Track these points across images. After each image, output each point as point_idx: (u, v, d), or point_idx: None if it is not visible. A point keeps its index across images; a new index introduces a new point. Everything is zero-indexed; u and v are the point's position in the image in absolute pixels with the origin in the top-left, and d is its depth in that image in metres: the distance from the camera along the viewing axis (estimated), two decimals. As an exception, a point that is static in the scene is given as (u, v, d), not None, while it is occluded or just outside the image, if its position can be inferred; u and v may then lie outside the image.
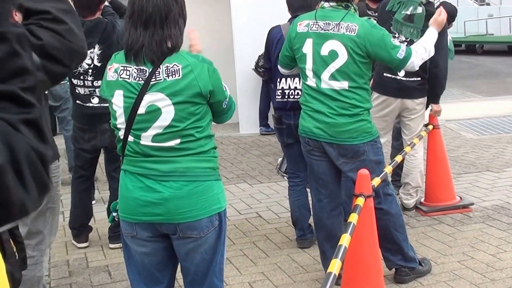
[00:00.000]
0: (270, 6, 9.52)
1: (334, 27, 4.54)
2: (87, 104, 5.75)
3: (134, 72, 3.20)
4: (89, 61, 5.67)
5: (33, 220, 4.34)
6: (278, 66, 5.07)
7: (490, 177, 7.81)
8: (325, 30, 4.58)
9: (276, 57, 5.59)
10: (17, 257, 2.29)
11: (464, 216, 6.49)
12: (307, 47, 4.67)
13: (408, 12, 6.10)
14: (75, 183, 6.10)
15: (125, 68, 3.23)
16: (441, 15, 5.15)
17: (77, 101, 5.82)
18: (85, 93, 5.73)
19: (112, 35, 5.65)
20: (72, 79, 5.77)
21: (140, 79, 3.19)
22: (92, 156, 5.98)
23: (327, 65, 4.57)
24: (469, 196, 7.02)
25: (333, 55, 4.54)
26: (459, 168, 8.22)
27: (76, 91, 5.79)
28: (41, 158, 1.16)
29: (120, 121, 3.28)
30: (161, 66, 3.16)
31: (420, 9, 6.07)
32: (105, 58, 5.61)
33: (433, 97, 6.42)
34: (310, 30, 4.65)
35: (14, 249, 2.25)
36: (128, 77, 3.21)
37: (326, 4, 4.65)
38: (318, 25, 4.61)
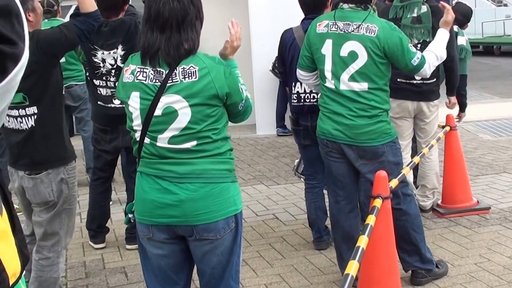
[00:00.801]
0: (288, 7, 9.49)
1: (354, 28, 4.53)
2: (109, 105, 5.73)
3: (151, 73, 3.20)
4: (112, 62, 5.65)
5: (49, 221, 4.36)
6: (298, 70, 5.01)
7: (507, 179, 7.77)
8: (345, 31, 4.57)
9: (290, 60, 5.59)
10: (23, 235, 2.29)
11: (481, 218, 6.45)
12: (326, 48, 4.66)
13: (415, 14, 6.08)
14: (93, 184, 6.11)
15: (141, 69, 3.23)
16: (449, 14, 5.13)
17: (99, 102, 5.80)
18: (107, 94, 5.71)
19: (135, 36, 5.60)
20: (94, 80, 5.75)
21: (157, 80, 3.19)
22: (112, 157, 5.99)
23: (347, 66, 4.57)
24: (486, 198, 6.99)
25: (353, 56, 4.54)
26: (476, 169, 8.18)
27: (98, 91, 5.78)
28: None
29: (136, 123, 3.29)
30: (177, 68, 3.17)
31: (424, 8, 6.05)
32: None
33: (451, 89, 6.47)
34: (330, 30, 4.64)
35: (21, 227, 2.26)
36: (144, 78, 3.22)
37: (345, 5, 4.65)
38: (338, 25, 4.60)
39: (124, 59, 5.57)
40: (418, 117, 6.37)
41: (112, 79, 5.66)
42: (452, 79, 6.35)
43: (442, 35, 5.00)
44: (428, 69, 4.67)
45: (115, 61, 5.63)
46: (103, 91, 5.75)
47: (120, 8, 5.63)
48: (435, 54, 4.78)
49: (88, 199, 6.16)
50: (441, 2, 5.49)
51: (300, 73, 4.99)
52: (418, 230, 4.91)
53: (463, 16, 7.24)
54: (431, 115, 6.34)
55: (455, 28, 6.45)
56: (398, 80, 6.18)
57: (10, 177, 4.47)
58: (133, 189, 3.53)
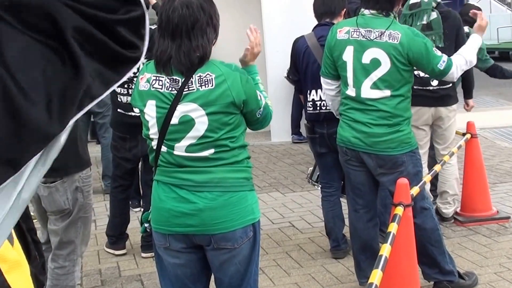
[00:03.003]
0: (302, 13, 9.47)
1: (377, 35, 4.48)
2: (129, 113, 5.70)
3: (167, 82, 3.18)
4: (135, 70, 5.63)
5: (65, 229, 4.34)
6: (322, 79, 4.95)
7: (526, 187, 7.69)
8: (367, 38, 4.52)
9: (305, 68, 5.55)
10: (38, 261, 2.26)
11: (500, 226, 6.38)
12: (348, 55, 4.61)
13: (424, 22, 6.04)
14: (114, 192, 6.09)
15: (157, 78, 3.21)
16: (483, 19, 5.07)
17: (119, 110, 5.79)
18: (128, 102, 5.69)
19: None
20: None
21: (173, 89, 3.16)
22: (132, 166, 5.98)
23: (369, 73, 4.51)
24: (504, 206, 6.92)
25: (376, 63, 4.48)
26: (494, 177, 8.10)
27: (118, 99, 5.77)
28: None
29: (153, 132, 3.26)
30: (194, 75, 3.14)
31: (434, 14, 6.02)
32: None
33: (468, 93, 6.44)
34: (351, 37, 4.59)
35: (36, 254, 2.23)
36: (160, 87, 3.19)
37: (366, 12, 4.60)
38: (360, 32, 4.55)
39: None
40: (436, 124, 6.31)
41: (133, 87, 5.64)
42: (468, 82, 6.34)
43: (474, 40, 4.92)
44: (455, 72, 4.60)
45: (138, 69, 5.60)
46: (123, 99, 5.74)
47: None
48: (464, 57, 4.71)
49: (110, 206, 6.14)
50: (472, 10, 5.46)
51: (324, 81, 4.93)
52: (436, 244, 4.81)
53: (470, 17, 7.20)
54: (449, 121, 6.28)
55: (466, 28, 6.40)
56: (415, 87, 6.13)
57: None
58: (150, 198, 3.50)
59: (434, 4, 6.04)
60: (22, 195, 1.05)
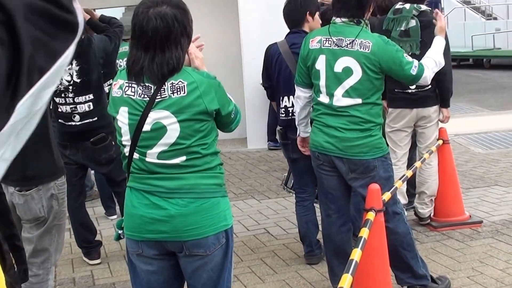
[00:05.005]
0: (279, 21, 9.48)
1: (348, 43, 4.52)
2: (69, 123, 5.78)
3: (140, 89, 3.17)
4: (69, 78, 5.68)
5: (39, 237, 4.32)
6: (296, 87, 5.00)
7: (499, 192, 7.75)
8: (338, 46, 4.56)
9: (277, 75, 5.60)
10: (16, 269, 2.26)
11: (473, 231, 6.44)
12: (320, 64, 4.65)
13: (403, 28, 6.14)
14: (67, 201, 6.05)
15: (130, 84, 3.20)
16: (442, 20, 5.18)
17: (59, 120, 5.82)
18: (67, 111, 5.76)
19: (89, 50, 5.73)
20: (55, 98, 5.76)
21: (145, 96, 3.16)
22: (75, 169, 5.95)
23: (341, 82, 4.55)
24: (477, 211, 6.98)
25: (348, 72, 4.52)
26: (467, 182, 8.17)
27: (59, 109, 5.80)
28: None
29: (125, 138, 3.26)
30: (166, 83, 3.14)
31: (413, 22, 6.10)
32: (83, 74, 5.65)
33: (443, 102, 6.45)
34: (323, 46, 4.63)
35: (13, 261, 2.22)
36: (133, 94, 3.19)
37: (337, 20, 4.64)
38: (331, 40, 4.59)
39: (80, 74, 5.64)
40: (418, 124, 6.42)
41: (70, 95, 5.72)
42: (443, 92, 6.37)
43: (438, 42, 5.01)
44: (428, 76, 4.66)
45: (71, 76, 5.68)
46: (63, 108, 5.79)
47: None
48: (433, 59, 4.77)
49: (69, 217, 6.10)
50: (435, 9, 5.56)
51: (297, 89, 4.97)
52: (409, 248, 4.85)
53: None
54: (431, 120, 6.36)
55: None
56: (396, 90, 6.24)
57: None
58: (123, 204, 3.50)
59: (415, 12, 6.11)
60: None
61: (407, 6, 6.17)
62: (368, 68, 4.49)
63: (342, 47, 4.54)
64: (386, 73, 4.57)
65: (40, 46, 1.03)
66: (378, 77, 4.55)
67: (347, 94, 4.56)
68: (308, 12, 5.50)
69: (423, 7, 6.21)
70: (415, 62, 4.61)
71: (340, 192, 4.85)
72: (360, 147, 4.61)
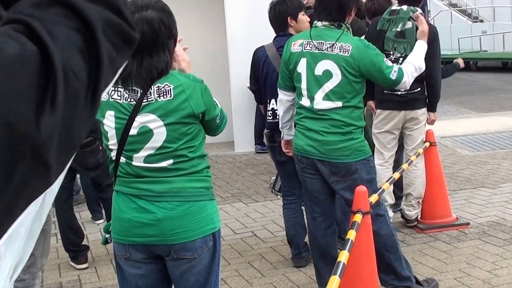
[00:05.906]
0: (266, 24, 9.49)
1: (328, 47, 4.54)
2: None
3: (126, 93, 3.16)
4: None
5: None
6: (279, 91, 5.01)
7: (486, 193, 7.79)
8: (319, 50, 4.58)
9: (264, 78, 5.61)
10: None
11: (460, 233, 6.46)
12: (302, 67, 4.67)
13: (399, 29, 6.16)
14: (56, 204, 6.03)
15: (116, 88, 3.19)
16: (423, 25, 5.24)
17: None
18: None
19: None
20: None
21: (132, 99, 3.15)
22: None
23: (321, 85, 4.57)
24: (464, 213, 7.01)
25: (328, 75, 4.54)
26: (454, 184, 8.20)
27: None
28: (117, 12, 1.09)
29: (112, 142, 3.25)
30: (152, 86, 3.13)
31: (410, 24, 6.11)
32: None
33: (431, 106, 6.47)
34: (304, 49, 4.65)
35: None
36: (119, 98, 3.18)
37: (319, 23, 4.66)
38: (313, 44, 4.61)
39: None
40: (405, 126, 6.44)
41: None
42: (433, 96, 6.40)
43: (420, 46, 5.06)
44: (408, 81, 4.68)
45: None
46: None
47: None
48: (413, 65, 4.79)
49: (57, 220, 6.08)
50: (416, 13, 5.60)
51: (280, 92, 4.99)
52: (392, 249, 4.87)
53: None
54: (419, 122, 6.39)
55: None
56: (385, 91, 6.26)
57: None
58: (109, 210, 3.49)
59: (412, 14, 6.13)
60: (47, 199, 1.04)
61: (404, 7, 6.19)
62: (347, 72, 4.51)
63: (323, 50, 4.56)
64: (365, 76, 4.59)
65: (110, 61, 1.04)
66: (358, 80, 4.56)
67: (327, 97, 4.58)
68: (289, 18, 5.52)
69: (419, 10, 6.23)
70: (395, 66, 4.64)
71: (324, 195, 4.86)
72: (341, 150, 4.62)
